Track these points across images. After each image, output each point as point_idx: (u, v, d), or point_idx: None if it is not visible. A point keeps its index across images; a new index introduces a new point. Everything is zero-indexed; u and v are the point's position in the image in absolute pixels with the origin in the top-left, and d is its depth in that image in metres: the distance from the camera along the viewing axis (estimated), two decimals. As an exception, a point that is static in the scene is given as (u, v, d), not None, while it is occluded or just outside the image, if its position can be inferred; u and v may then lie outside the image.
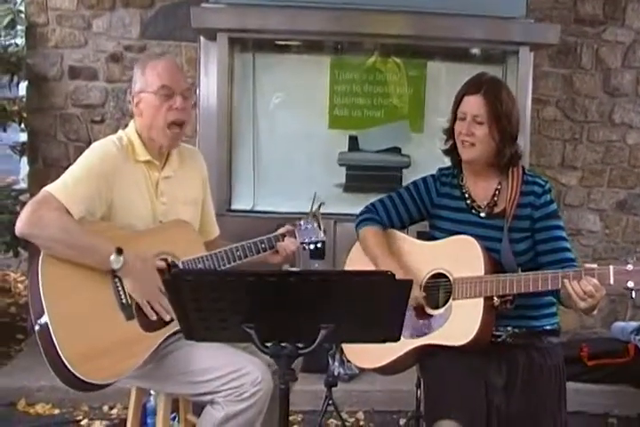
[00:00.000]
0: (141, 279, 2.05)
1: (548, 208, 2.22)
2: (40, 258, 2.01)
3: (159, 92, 2.18)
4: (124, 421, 2.40)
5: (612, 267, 1.90)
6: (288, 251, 2.31)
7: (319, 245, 2.39)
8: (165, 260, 2.14)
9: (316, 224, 2.39)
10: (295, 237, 2.35)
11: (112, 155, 2.16)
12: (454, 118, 2.24)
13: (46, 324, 1.93)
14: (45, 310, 1.94)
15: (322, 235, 2.39)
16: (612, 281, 1.89)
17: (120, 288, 2.06)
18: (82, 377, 1.93)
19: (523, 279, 2.03)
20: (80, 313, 1.99)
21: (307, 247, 2.39)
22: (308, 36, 3.66)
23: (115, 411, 3.38)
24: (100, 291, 2.04)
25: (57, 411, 3.38)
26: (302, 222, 2.38)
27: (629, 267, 1.89)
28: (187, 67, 4.02)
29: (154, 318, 2.06)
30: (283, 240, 2.31)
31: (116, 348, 2.00)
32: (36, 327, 1.96)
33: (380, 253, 2.27)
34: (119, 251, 2.02)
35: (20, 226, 2.01)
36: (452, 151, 2.30)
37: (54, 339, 1.92)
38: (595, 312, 1.98)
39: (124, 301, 2.05)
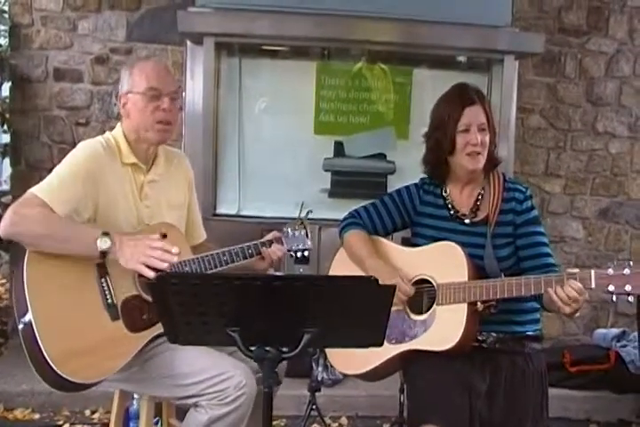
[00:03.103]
0: (132, 250, 1.99)
1: (529, 214, 2.25)
2: (25, 256, 1.99)
3: (147, 94, 2.17)
4: (106, 425, 2.39)
5: (593, 271, 1.92)
6: (274, 257, 2.31)
7: (306, 254, 2.40)
8: (163, 234, 2.10)
9: (303, 232, 2.39)
10: (282, 244, 2.35)
11: (98, 155, 2.15)
12: (452, 132, 2.21)
13: (30, 321, 1.92)
14: (29, 307, 1.92)
15: (309, 243, 2.39)
16: (593, 285, 1.91)
17: (106, 288, 2.04)
18: (65, 376, 1.91)
19: (506, 285, 2.04)
20: (65, 312, 1.97)
21: (293, 255, 2.39)
22: (295, 42, 3.67)
23: (96, 415, 3.36)
24: (86, 291, 2.02)
25: (37, 416, 3.35)
26: (289, 230, 2.38)
27: (610, 271, 1.91)
28: (173, 70, 3.96)
29: (152, 274, 1.94)
30: (270, 246, 2.31)
31: (101, 347, 1.99)
32: (20, 326, 1.94)
33: (366, 254, 2.28)
34: (105, 233, 2.00)
35: (3, 227, 1.99)
36: (438, 165, 2.29)
37: (38, 336, 1.90)
38: (577, 315, 2.00)
39: (109, 301, 2.04)
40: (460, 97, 2.24)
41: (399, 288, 2.11)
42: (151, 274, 1.97)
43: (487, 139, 2.22)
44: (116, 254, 2.00)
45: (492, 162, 2.28)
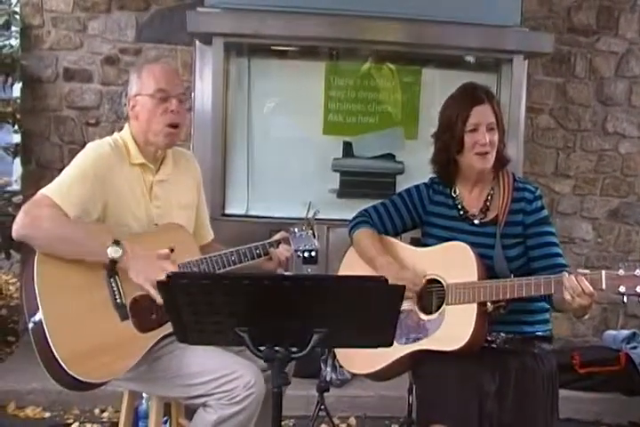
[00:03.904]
0: (144, 265, 2.03)
1: (539, 214, 2.24)
2: (36, 256, 2.00)
3: (155, 96, 2.18)
4: (116, 424, 2.40)
5: (603, 272, 1.91)
6: (282, 258, 2.31)
7: (313, 254, 2.40)
8: (171, 249, 2.13)
9: (310, 232, 2.40)
10: (289, 244, 2.35)
11: (107, 155, 2.16)
12: (461, 132, 2.21)
13: (40, 321, 1.93)
14: (40, 307, 1.94)
15: (316, 243, 2.40)
16: (604, 286, 1.90)
17: (115, 288, 2.06)
18: (75, 375, 1.92)
19: (515, 285, 2.04)
20: (74, 312, 1.98)
21: (301, 255, 2.39)
22: (304, 42, 3.67)
23: (106, 414, 3.37)
24: (95, 291, 2.04)
25: (47, 414, 3.37)
26: (297, 230, 2.39)
27: (621, 272, 1.90)
28: (182, 70, 4.02)
29: (159, 299, 1.98)
30: (277, 247, 2.32)
31: (110, 347, 2.00)
32: (30, 325, 1.96)
33: (376, 252, 2.28)
34: (116, 242, 2.02)
35: (15, 229, 2.01)
36: (447, 165, 2.29)
37: (48, 336, 1.92)
38: (586, 317, 2.00)
39: (118, 301, 2.05)
40: (469, 96, 2.24)
41: (409, 283, 2.12)
42: (158, 298, 1.99)
43: (496, 138, 2.22)
44: (126, 265, 2.03)
45: (501, 161, 2.28)
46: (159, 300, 2.00)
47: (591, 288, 1.89)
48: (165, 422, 2.62)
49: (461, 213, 2.30)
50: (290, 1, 3.56)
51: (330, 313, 1.60)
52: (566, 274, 1.94)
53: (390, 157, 3.84)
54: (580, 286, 1.89)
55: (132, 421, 2.43)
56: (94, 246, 2.02)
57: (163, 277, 1.96)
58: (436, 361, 2.11)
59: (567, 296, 1.91)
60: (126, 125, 2.28)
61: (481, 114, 2.20)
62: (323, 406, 2.87)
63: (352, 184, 3.81)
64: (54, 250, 2.00)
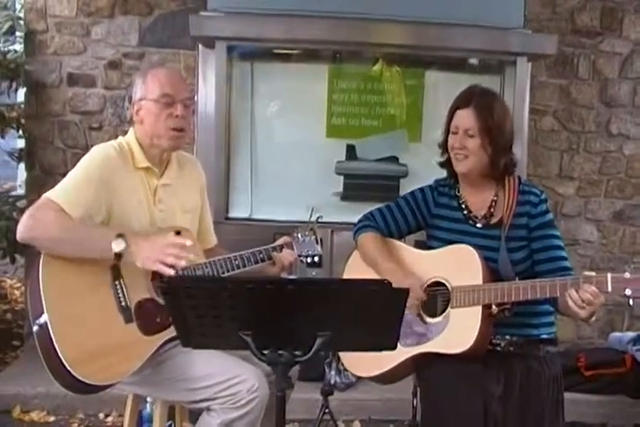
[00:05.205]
0: (150, 250, 1.99)
1: (544, 217, 2.23)
2: (41, 259, 2.01)
3: (160, 100, 2.18)
4: (120, 428, 2.40)
5: (609, 275, 1.91)
6: (285, 262, 2.32)
7: (316, 259, 2.40)
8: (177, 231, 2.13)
9: (313, 237, 2.40)
10: (292, 249, 2.35)
11: (111, 159, 2.16)
12: (448, 132, 2.26)
13: (45, 323, 1.93)
14: (45, 309, 1.94)
15: (319, 249, 2.40)
16: (609, 289, 1.90)
17: (120, 291, 2.06)
18: (79, 377, 1.92)
19: (520, 287, 2.04)
20: (79, 314, 1.99)
21: (304, 260, 2.40)
22: (307, 45, 3.67)
23: (110, 418, 3.37)
24: (100, 293, 2.04)
25: (52, 418, 3.37)
26: (300, 235, 2.39)
27: (627, 275, 1.90)
28: (185, 74, 4.01)
29: (172, 272, 1.98)
30: (280, 251, 2.32)
31: (115, 350, 2.00)
32: (35, 328, 1.96)
33: (380, 257, 2.28)
34: (120, 235, 2.01)
35: (20, 231, 2.02)
36: (447, 164, 2.31)
37: (53, 338, 1.92)
38: (593, 319, 1.99)
39: (123, 303, 2.05)
40: (459, 98, 2.26)
41: (411, 292, 2.11)
42: (170, 272, 1.98)
43: (475, 144, 2.19)
44: (131, 256, 2.01)
45: (498, 169, 2.23)
46: (170, 272, 1.97)
47: (592, 299, 1.88)
48: (170, 426, 2.62)
49: (465, 212, 2.29)
50: (292, 4, 3.56)
51: (333, 317, 1.60)
52: (565, 293, 1.93)
53: (394, 159, 3.84)
54: (582, 299, 1.89)
55: (137, 425, 2.43)
56: (98, 243, 2.00)
57: (170, 259, 1.96)
58: (440, 364, 2.10)
59: (575, 309, 1.91)
60: (131, 129, 2.28)
61: (460, 118, 2.22)
62: (327, 410, 2.86)
63: (356, 187, 3.81)
64: (59, 250, 2.01)
